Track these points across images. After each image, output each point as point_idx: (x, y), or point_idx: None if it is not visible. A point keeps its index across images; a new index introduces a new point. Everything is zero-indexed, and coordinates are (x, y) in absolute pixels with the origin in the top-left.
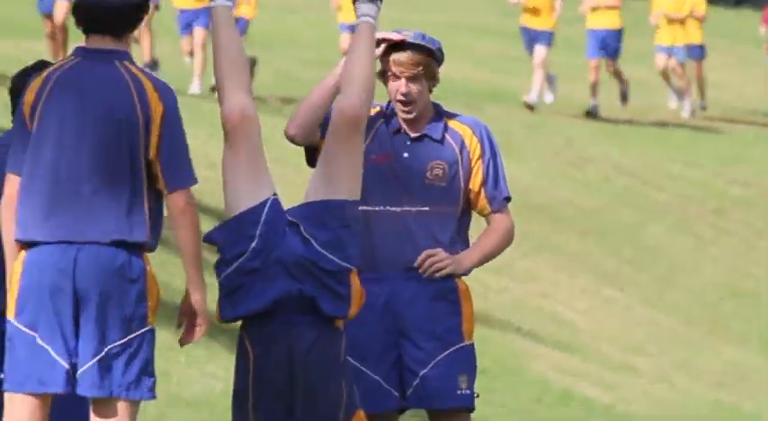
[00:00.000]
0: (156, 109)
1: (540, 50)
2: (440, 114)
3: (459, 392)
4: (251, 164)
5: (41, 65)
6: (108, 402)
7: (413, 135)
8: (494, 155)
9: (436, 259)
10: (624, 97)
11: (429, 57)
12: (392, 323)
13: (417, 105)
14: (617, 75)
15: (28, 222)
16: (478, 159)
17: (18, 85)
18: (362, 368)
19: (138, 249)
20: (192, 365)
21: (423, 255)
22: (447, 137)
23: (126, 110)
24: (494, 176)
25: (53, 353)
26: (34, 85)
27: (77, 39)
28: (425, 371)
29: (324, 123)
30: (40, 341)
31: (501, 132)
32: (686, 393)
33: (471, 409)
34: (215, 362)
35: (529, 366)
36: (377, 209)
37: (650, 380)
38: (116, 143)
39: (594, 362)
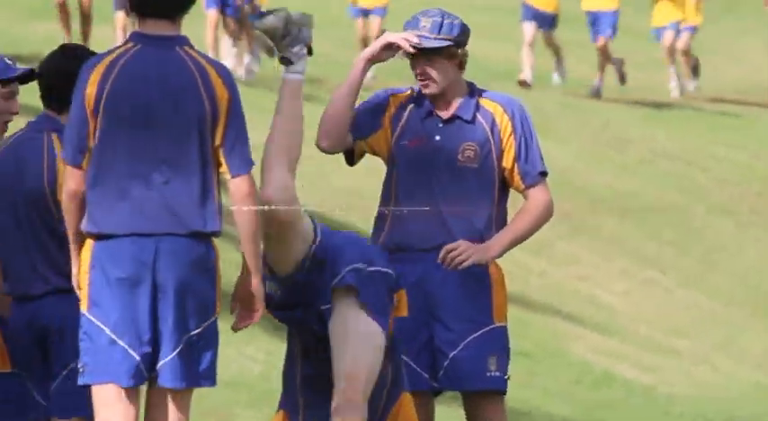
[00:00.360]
0: (222, 96)
1: (529, 28)
2: (472, 93)
3: (488, 374)
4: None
5: (77, 51)
6: (185, 391)
7: (444, 117)
8: (526, 131)
9: (456, 253)
10: (622, 78)
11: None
12: (423, 304)
13: (438, 83)
14: (604, 55)
15: (99, 215)
16: (510, 136)
17: (49, 69)
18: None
19: (210, 239)
20: (230, 346)
21: (442, 252)
22: (478, 116)
23: (194, 99)
24: (526, 152)
25: (125, 346)
26: (95, 77)
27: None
28: (455, 352)
29: (352, 128)
30: (111, 334)
31: (538, 113)
32: (727, 375)
33: (503, 392)
34: (254, 344)
35: (569, 349)
36: (410, 192)
37: (691, 361)
38: (186, 133)
39: (634, 344)
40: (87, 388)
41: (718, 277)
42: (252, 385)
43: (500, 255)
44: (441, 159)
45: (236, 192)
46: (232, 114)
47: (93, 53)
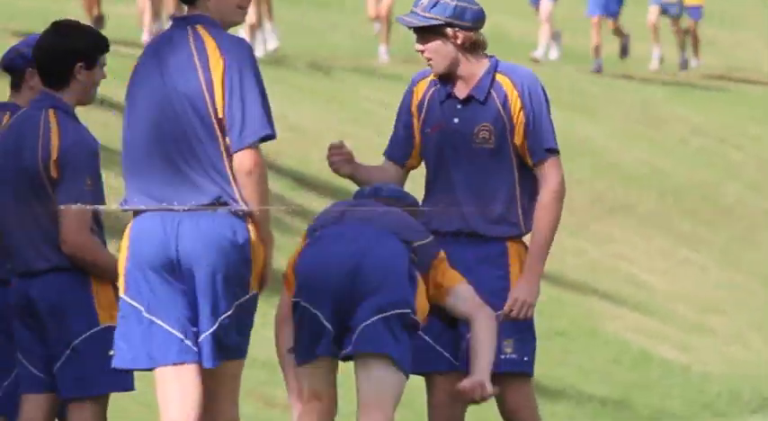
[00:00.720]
0: (216, 67)
1: (546, 5)
2: (489, 70)
3: (502, 357)
4: None
5: (70, 28)
6: (220, 368)
7: (461, 97)
8: (536, 106)
9: (515, 314)
10: (624, 50)
11: (439, 26)
12: None
13: (435, 63)
14: (618, 32)
15: (128, 192)
16: (519, 112)
17: (43, 47)
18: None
19: (240, 213)
20: (266, 327)
21: (501, 318)
22: (492, 94)
23: (189, 75)
24: (535, 127)
25: (164, 325)
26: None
27: None
28: (470, 334)
29: (396, 154)
30: (147, 315)
31: (574, 92)
32: (762, 353)
33: (522, 373)
34: None
35: (606, 328)
36: (434, 178)
37: (726, 340)
38: (183, 109)
39: (671, 323)
40: (100, 368)
41: (753, 255)
42: None
43: (538, 281)
44: (459, 142)
45: (235, 167)
46: (228, 84)
47: (87, 29)
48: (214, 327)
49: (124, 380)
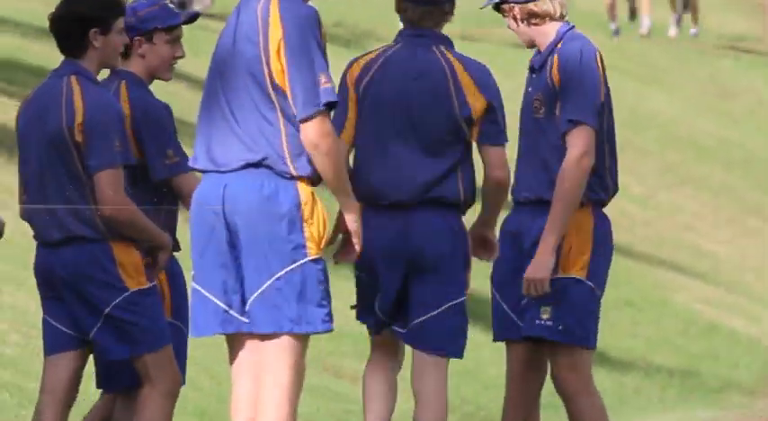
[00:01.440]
0: (275, 35)
1: None
2: (555, 41)
3: (537, 322)
4: None
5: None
6: (275, 337)
7: (529, 66)
8: (568, 75)
9: (532, 294)
10: (633, 15)
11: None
12: (518, 250)
13: (518, 36)
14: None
15: (194, 151)
16: (557, 83)
17: (61, 16)
18: (497, 295)
19: (287, 176)
20: (336, 298)
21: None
22: (547, 64)
23: (251, 39)
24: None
25: (206, 293)
26: None
27: None
28: (524, 300)
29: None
30: (194, 284)
31: (645, 65)
32: None
33: (565, 341)
34: None
35: (674, 298)
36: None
37: None
38: (246, 73)
39: (739, 293)
40: (140, 329)
41: None
42: (357, 337)
43: (549, 253)
44: (525, 110)
45: (303, 142)
46: (287, 53)
47: None
48: (262, 288)
49: (165, 338)
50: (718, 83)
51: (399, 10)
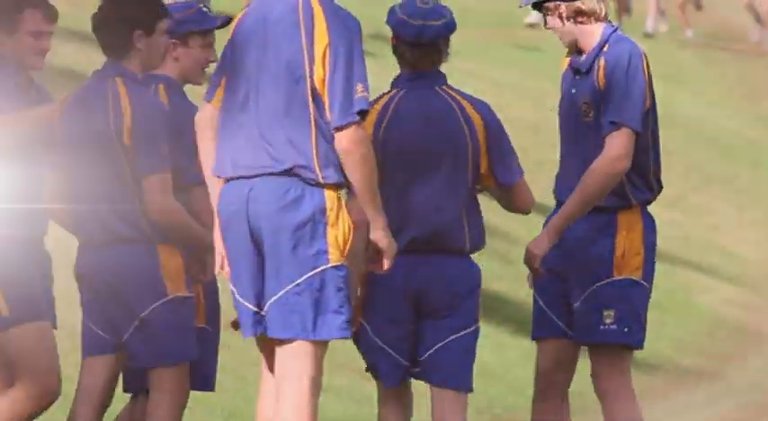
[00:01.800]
0: (321, 40)
1: None
2: (601, 42)
3: (601, 327)
4: None
5: None
6: (291, 342)
7: (574, 68)
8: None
9: (527, 261)
10: (698, 5)
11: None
12: (560, 254)
13: (559, 36)
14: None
15: (217, 155)
16: (605, 84)
17: (102, 20)
18: (537, 295)
19: (314, 182)
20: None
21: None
22: (594, 66)
23: (287, 43)
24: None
25: (238, 297)
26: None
27: None
28: (577, 304)
29: None
30: (233, 286)
31: (672, 65)
32: None
33: (627, 346)
34: None
35: (700, 300)
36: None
37: None
38: (283, 78)
39: (766, 295)
40: (171, 338)
41: None
42: None
43: (553, 234)
44: (571, 113)
45: (337, 149)
46: (331, 57)
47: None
48: (280, 293)
49: (191, 354)
50: (745, 83)
51: (396, 53)
